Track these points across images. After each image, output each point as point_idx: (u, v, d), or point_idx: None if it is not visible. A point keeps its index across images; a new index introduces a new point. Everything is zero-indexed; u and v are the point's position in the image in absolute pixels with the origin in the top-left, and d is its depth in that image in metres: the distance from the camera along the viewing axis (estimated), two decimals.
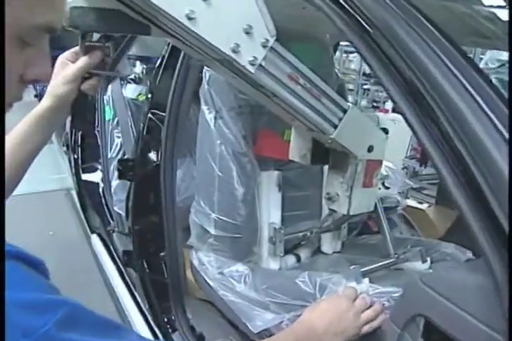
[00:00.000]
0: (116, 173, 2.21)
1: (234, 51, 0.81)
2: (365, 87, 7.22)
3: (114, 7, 0.83)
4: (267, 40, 0.84)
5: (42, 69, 0.51)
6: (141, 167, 1.40)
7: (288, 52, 0.89)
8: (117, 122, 2.24)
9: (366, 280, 1.13)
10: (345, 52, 7.29)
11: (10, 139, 0.87)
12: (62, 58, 0.93)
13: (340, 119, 1.01)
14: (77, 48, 0.92)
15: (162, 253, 1.38)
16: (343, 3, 0.70)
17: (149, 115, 1.36)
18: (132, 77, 2.16)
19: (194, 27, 0.77)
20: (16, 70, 0.47)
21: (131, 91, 2.14)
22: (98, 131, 2.25)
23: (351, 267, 1.17)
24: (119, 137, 2.30)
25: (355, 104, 6.07)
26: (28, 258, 0.42)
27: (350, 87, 6.79)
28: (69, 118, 2.24)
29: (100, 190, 2.37)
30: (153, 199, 1.38)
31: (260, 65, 0.85)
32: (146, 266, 1.47)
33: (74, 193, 2.88)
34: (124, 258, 1.60)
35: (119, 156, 2.27)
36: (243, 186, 1.25)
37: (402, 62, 0.61)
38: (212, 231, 1.27)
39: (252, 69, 0.84)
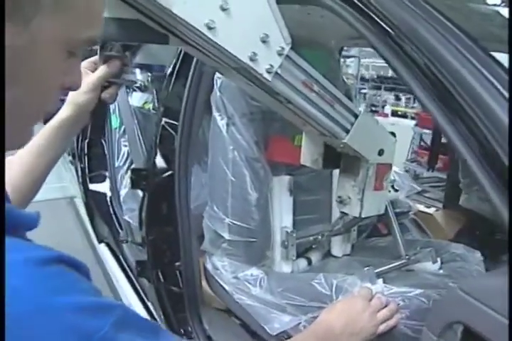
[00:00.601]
0: (124, 182, 2.23)
1: (251, 59, 0.84)
2: (363, 91, 7.28)
3: (133, 17, 0.86)
4: (283, 48, 0.86)
5: (77, 77, 0.54)
6: (155, 176, 1.40)
7: (302, 60, 0.91)
8: (124, 131, 2.24)
9: (380, 280, 1.15)
10: (343, 56, 7.34)
11: (26, 153, 0.86)
12: (81, 67, 0.95)
13: (351, 124, 1.03)
14: (96, 58, 0.95)
15: (177, 263, 1.38)
16: (362, 6, 0.72)
17: (162, 123, 1.36)
18: (138, 85, 2.17)
19: (213, 36, 0.79)
20: (59, 79, 0.49)
21: (137, 99, 2.14)
22: (105, 140, 2.27)
23: (365, 268, 1.19)
24: (126, 146, 2.30)
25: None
26: (73, 262, 0.43)
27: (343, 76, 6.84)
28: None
29: (108, 199, 2.37)
30: (167, 208, 1.38)
31: (276, 73, 0.87)
32: (161, 276, 1.47)
33: (77, 202, 2.87)
34: (137, 269, 1.59)
35: (127, 165, 2.28)
36: (256, 191, 1.27)
37: (426, 60, 0.63)
38: (226, 236, 1.29)
39: (268, 77, 0.87)
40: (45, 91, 0.48)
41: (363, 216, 1.17)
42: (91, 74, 0.92)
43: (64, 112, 0.90)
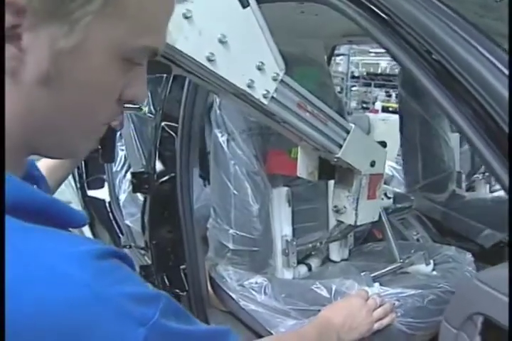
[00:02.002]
0: (123, 187, 2.23)
1: (249, 86, 0.91)
2: (354, 88, 7.34)
3: None
4: (277, 74, 0.94)
5: (140, 89, 0.49)
6: (157, 179, 1.41)
7: (296, 83, 0.99)
8: (120, 135, 2.22)
9: (377, 284, 1.22)
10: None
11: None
12: None
13: (344, 139, 1.11)
14: None
15: (182, 266, 1.41)
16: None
17: (162, 126, 1.38)
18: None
19: (214, 67, 0.86)
20: (115, 89, 0.46)
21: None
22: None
23: (362, 273, 1.26)
24: (122, 150, 2.32)
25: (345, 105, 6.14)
26: (124, 256, 0.44)
27: (338, 89, 6.90)
28: None
29: (107, 204, 2.35)
30: (170, 211, 1.39)
31: (272, 97, 0.95)
32: (166, 280, 1.50)
33: (73, 206, 2.84)
34: (141, 274, 1.60)
35: (125, 169, 2.29)
36: (258, 203, 1.34)
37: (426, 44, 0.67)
38: (230, 246, 1.36)
39: (265, 101, 0.94)
40: (96, 101, 0.45)
41: (358, 224, 1.25)
42: None
43: None
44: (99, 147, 1.03)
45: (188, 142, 1.35)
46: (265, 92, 0.93)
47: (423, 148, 1.91)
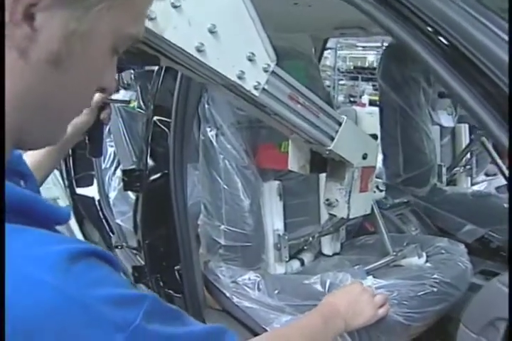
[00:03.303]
0: (113, 184, 2.19)
1: (240, 78, 0.89)
2: (341, 82, 7.35)
3: None
4: (269, 65, 0.92)
5: (112, 78, 0.51)
6: (148, 176, 1.37)
7: (287, 74, 0.97)
8: (109, 130, 2.19)
9: (370, 277, 1.22)
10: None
11: None
12: None
13: (336, 132, 1.09)
14: None
15: (177, 266, 1.38)
16: None
17: (154, 121, 1.35)
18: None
19: (203, 58, 0.84)
20: (100, 76, 0.48)
21: (121, 97, 2.04)
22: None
23: (356, 267, 1.25)
24: (112, 146, 2.27)
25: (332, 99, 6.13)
26: (104, 255, 0.42)
27: (327, 83, 6.87)
28: None
29: (96, 202, 2.31)
30: (163, 209, 1.35)
31: (263, 89, 0.93)
32: (160, 280, 1.47)
33: (60, 202, 2.78)
34: (134, 275, 1.58)
35: (114, 166, 2.24)
36: (249, 197, 1.33)
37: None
38: (222, 241, 1.34)
39: (256, 93, 0.92)
40: (87, 85, 0.47)
41: (350, 217, 1.23)
42: None
43: None
44: (87, 141, 1.00)
45: (182, 137, 1.31)
46: (256, 84, 0.91)
47: (404, 142, 1.88)
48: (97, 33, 0.42)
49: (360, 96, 6.36)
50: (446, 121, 2.10)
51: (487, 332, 0.61)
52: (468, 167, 2.22)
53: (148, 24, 0.76)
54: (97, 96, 0.94)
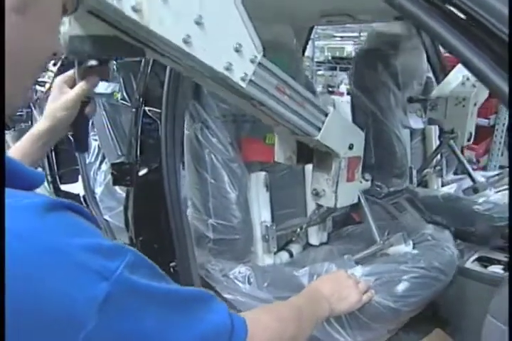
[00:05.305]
0: (99, 179, 2.15)
1: (227, 69, 0.88)
2: (319, 73, 7.36)
3: (109, 33, 0.88)
4: (255, 56, 0.91)
5: (59, 40, 0.55)
6: (139, 170, 1.33)
7: (274, 66, 0.96)
8: (92, 124, 2.12)
9: (359, 266, 1.23)
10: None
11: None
12: (59, 82, 0.94)
13: (322, 122, 1.09)
14: (73, 72, 0.96)
15: (172, 264, 1.33)
16: None
17: (143, 112, 1.31)
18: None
19: (190, 50, 0.83)
20: (55, 33, 0.48)
21: (103, 88, 1.98)
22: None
23: (345, 257, 1.26)
24: (96, 140, 2.22)
25: None
26: (79, 209, 0.42)
27: (306, 73, 6.88)
28: None
29: (82, 199, 2.24)
30: (157, 204, 1.30)
31: (250, 80, 0.92)
32: None
33: None
34: None
35: (99, 160, 2.19)
36: (235, 190, 1.32)
37: None
38: (210, 235, 1.34)
39: (243, 84, 0.91)
40: (51, 33, 0.46)
41: (338, 206, 1.24)
42: (70, 91, 0.92)
43: (42, 124, 0.91)
44: (72, 137, 0.98)
45: (173, 128, 1.26)
46: (243, 75, 0.91)
47: (376, 144, 1.89)
48: None
49: (338, 86, 6.37)
50: (416, 122, 2.13)
51: None
52: (438, 168, 2.25)
53: (134, 16, 0.75)
54: (79, 89, 0.92)
